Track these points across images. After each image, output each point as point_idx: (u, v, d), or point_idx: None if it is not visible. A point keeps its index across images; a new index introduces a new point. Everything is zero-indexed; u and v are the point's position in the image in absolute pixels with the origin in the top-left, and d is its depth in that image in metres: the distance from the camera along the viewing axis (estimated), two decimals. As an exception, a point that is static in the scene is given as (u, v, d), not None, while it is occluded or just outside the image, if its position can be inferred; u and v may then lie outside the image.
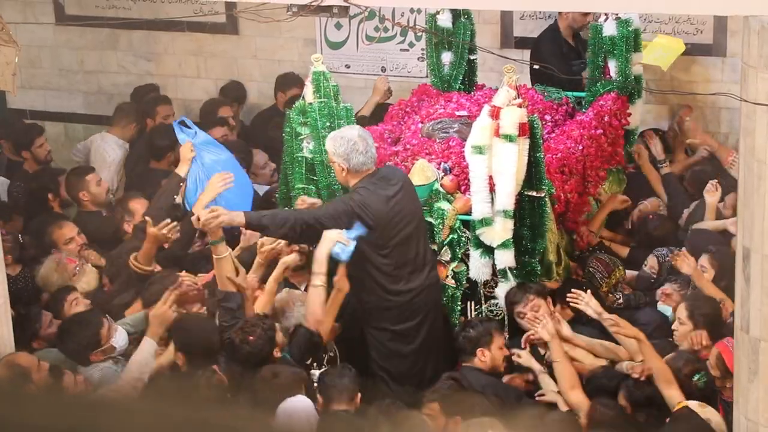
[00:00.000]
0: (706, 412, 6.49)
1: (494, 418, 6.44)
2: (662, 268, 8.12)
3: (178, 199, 8.42)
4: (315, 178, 7.65)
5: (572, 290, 7.22)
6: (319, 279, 7.05)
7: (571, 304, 7.22)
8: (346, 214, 7.07)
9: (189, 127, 8.79)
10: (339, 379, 6.70)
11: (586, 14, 9.50)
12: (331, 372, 6.88)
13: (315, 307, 7.07)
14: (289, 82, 10.61)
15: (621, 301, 7.94)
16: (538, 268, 7.51)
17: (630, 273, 8.26)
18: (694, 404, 6.54)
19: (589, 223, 8.56)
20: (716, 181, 8.75)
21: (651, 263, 8.18)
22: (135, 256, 7.78)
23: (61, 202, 9.46)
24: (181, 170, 8.53)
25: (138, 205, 8.54)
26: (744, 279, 5.99)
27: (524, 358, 7.22)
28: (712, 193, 8.66)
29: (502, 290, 7.49)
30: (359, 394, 6.68)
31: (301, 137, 7.66)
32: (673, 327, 7.31)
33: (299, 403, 6.50)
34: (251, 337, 6.80)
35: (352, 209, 7.07)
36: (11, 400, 2.04)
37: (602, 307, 7.15)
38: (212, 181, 8.02)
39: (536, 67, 9.01)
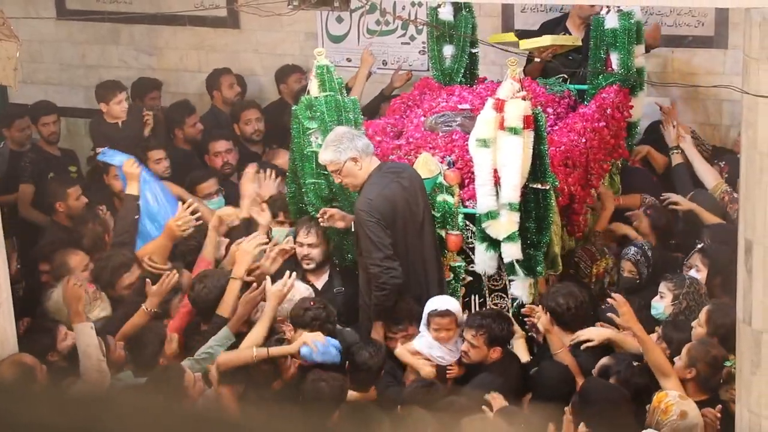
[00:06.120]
0: (684, 405, 6.32)
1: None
2: (639, 267, 7.85)
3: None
4: (325, 172, 7.60)
5: (529, 305, 7.32)
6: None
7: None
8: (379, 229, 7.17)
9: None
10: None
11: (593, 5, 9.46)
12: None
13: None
14: (287, 71, 10.70)
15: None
16: (542, 261, 7.51)
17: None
18: (674, 395, 6.40)
19: (597, 224, 8.50)
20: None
21: (627, 267, 7.89)
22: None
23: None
24: (132, 189, 8.41)
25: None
26: (746, 271, 6.00)
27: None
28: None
29: (517, 287, 7.48)
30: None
31: (310, 132, 7.64)
32: (692, 324, 7.06)
33: None
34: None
35: (377, 221, 7.17)
36: (20, 398, 2.03)
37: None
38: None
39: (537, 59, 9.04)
